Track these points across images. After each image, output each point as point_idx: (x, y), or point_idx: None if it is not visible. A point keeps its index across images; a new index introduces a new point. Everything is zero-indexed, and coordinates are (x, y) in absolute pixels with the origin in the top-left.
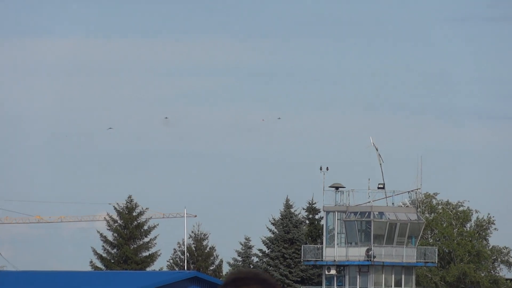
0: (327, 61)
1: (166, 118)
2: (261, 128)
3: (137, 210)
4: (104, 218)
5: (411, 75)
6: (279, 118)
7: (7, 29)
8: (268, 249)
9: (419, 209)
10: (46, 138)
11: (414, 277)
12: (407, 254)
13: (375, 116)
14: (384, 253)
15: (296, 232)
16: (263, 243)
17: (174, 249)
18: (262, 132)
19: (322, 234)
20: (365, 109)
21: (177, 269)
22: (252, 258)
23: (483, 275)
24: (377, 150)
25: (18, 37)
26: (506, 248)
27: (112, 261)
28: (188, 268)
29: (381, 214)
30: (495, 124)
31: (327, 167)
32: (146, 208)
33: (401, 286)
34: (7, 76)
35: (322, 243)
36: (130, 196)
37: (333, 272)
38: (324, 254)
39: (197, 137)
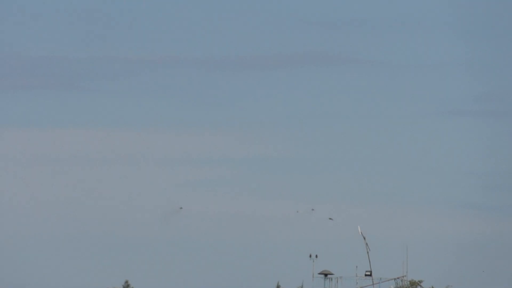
0: (315, 152)
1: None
2: (253, 217)
3: None
4: None
5: (398, 165)
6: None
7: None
8: None
9: None
10: (52, 227)
11: None
12: None
13: (363, 205)
14: None
15: None
16: None
17: None
18: (253, 221)
19: None
20: (353, 198)
21: None
22: None
23: None
24: (364, 238)
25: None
26: None
27: None
28: None
29: None
30: (479, 213)
31: (316, 255)
32: None
33: None
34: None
35: None
36: (127, 281)
37: None
38: None
39: (192, 226)
